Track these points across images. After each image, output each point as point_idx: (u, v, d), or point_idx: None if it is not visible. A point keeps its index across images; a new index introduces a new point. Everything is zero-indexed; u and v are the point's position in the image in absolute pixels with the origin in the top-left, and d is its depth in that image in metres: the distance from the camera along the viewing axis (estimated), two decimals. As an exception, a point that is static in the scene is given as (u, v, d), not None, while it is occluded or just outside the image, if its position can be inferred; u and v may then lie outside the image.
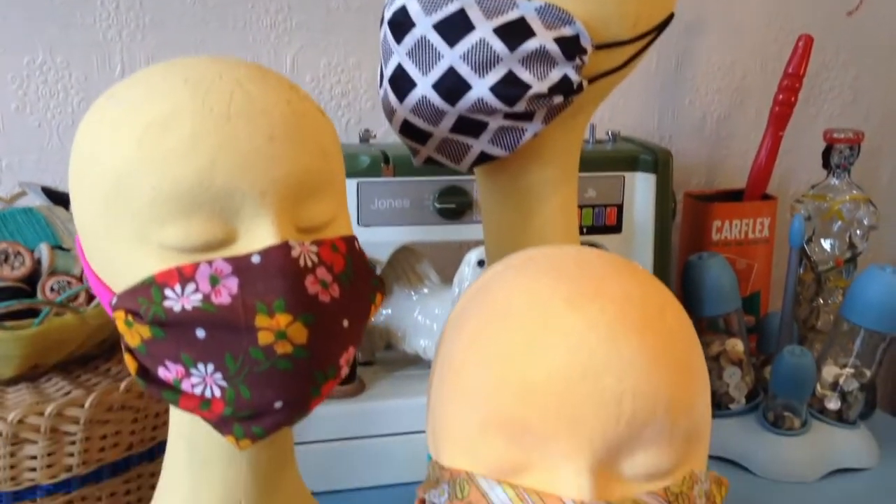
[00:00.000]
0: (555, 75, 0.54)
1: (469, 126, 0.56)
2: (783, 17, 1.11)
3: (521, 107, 0.54)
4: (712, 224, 0.97)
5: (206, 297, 0.44)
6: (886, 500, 0.86)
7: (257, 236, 0.45)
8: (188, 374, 0.45)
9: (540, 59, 0.53)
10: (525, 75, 0.54)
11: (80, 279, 0.64)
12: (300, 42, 0.94)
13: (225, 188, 0.44)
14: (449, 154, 0.59)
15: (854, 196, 0.98)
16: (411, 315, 0.86)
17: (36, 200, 0.75)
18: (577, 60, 0.54)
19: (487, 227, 0.66)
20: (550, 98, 0.55)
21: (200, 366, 0.45)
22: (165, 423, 0.68)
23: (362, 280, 0.49)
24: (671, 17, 0.59)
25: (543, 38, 0.53)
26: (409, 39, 0.55)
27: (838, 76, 1.16)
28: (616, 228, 0.86)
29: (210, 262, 0.44)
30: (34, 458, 0.61)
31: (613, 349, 0.41)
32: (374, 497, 0.82)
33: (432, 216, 0.82)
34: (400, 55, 0.56)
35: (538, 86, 0.54)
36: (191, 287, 0.44)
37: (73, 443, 0.62)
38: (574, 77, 0.55)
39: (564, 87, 0.55)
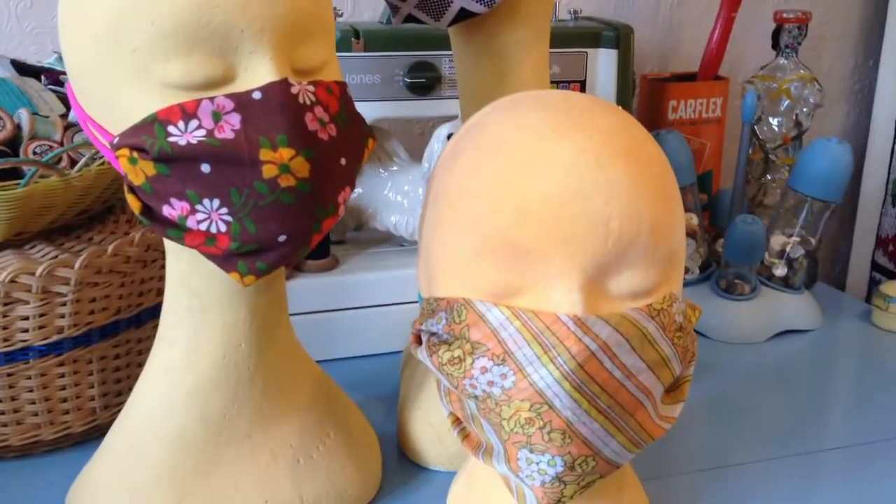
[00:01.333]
0: (534, -72, 0.56)
1: (450, -21, 0.58)
2: None
3: (503, -42, 0.56)
4: (668, 104, 1.00)
5: (210, 133, 0.45)
6: (829, 357, 0.93)
7: (256, 74, 0.46)
8: (193, 211, 0.46)
9: None
10: (505, -73, 0.55)
11: (62, 144, 0.64)
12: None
13: (224, 24, 0.44)
14: (430, 10, 0.60)
15: (801, 75, 1.02)
16: (381, 192, 0.88)
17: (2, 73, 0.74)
18: (555, -88, 0.56)
19: (463, 88, 0.68)
20: (531, -51, 0.56)
21: (206, 201, 0.46)
22: (151, 290, 0.70)
23: (355, 124, 0.51)
24: None
25: None
26: None
27: (786, -37, 1.19)
28: (579, 104, 0.89)
29: (212, 99, 0.45)
30: (26, 318, 0.62)
31: (601, 173, 0.44)
32: (351, 367, 0.84)
33: (402, 91, 0.83)
34: None
35: (519, -62, 0.55)
36: (194, 123, 0.45)
37: (64, 304, 0.63)
38: (552, -68, 0.56)
39: (544, -59, 0.56)
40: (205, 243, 0.47)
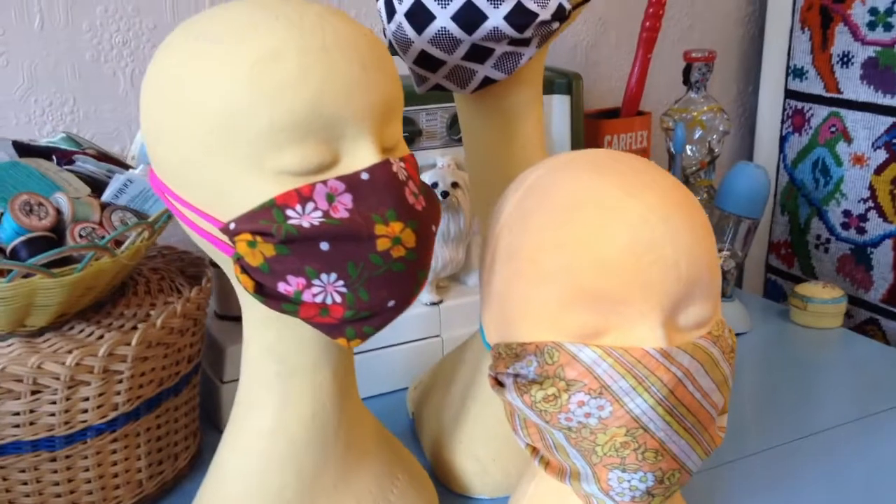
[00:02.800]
0: (553, 4, 0.63)
1: (479, 53, 0.64)
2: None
3: (528, 33, 0.62)
4: (604, 138, 1.10)
5: (326, 213, 0.49)
6: (760, 357, 1.04)
7: (358, 156, 0.50)
8: (310, 285, 0.50)
9: None
10: (531, 5, 0.62)
11: (101, 224, 0.65)
12: (217, -14, 0.96)
13: (333, 114, 0.49)
14: (456, 79, 0.66)
15: (711, 107, 1.15)
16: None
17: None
18: (569, -10, 0.63)
19: (471, 146, 0.74)
20: (549, 24, 0.63)
21: (323, 276, 0.50)
22: (184, 358, 0.72)
23: (430, 191, 0.56)
24: None
25: None
26: None
27: (678, 5, 1.32)
28: (537, 146, 0.97)
29: (325, 182, 0.49)
30: (86, 399, 0.62)
31: (667, 225, 0.52)
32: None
33: (385, 146, 0.88)
34: (418, -10, 0.62)
35: (543, 14, 0.62)
36: (310, 206, 0.49)
37: (121, 381, 0.64)
38: (566, 5, 0.63)
39: (559, 14, 0.63)
40: (319, 314, 0.51)
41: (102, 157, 0.72)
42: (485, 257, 0.60)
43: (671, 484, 0.54)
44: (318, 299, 0.51)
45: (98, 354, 0.61)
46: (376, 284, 0.51)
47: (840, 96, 1.24)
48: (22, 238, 0.60)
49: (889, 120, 1.17)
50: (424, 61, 0.64)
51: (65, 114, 0.91)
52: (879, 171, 1.20)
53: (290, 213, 0.49)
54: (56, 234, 0.63)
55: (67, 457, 0.63)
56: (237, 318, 0.88)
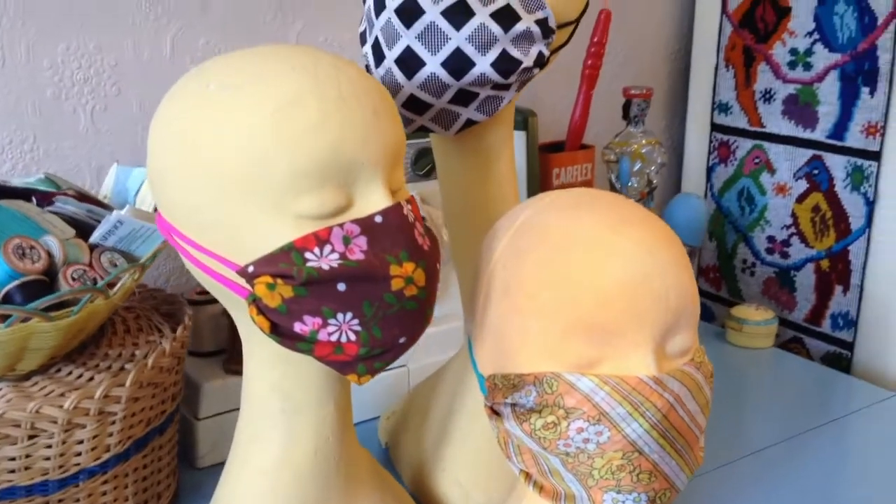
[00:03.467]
0: (534, 52, 0.67)
1: (464, 97, 0.67)
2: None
3: (512, 79, 0.66)
4: (553, 171, 1.15)
5: (343, 255, 0.51)
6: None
7: (371, 200, 0.53)
8: (326, 325, 0.52)
9: (525, 38, 0.66)
10: (515, 52, 0.66)
11: (91, 266, 0.65)
12: (178, 24, 0.96)
13: (350, 160, 0.51)
14: (441, 122, 0.69)
15: (649, 140, 1.22)
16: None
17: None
18: (549, 38, 0.67)
19: (448, 185, 0.77)
20: (531, 70, 0.67)
21: (339, 315, 0.52)
22: (169, 397, 0.72)
23: (431, 230, 0.59)
24: (588, 1, 0.74)
25: (527, 21, 0.65)
26: (420, 24, 0.64)
27: (613, 42, 1.38)
28: (495, 180, 1.01)
29: (341, 225, 0.51)
30: (81, 442, 0.62)
31: (654, 258, 0.56)
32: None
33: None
34: (409, 38, 0.65)
35: (526, 61, 0.66)
36: (328, 248, 0.51)
37: (114, 422, 0.64)
38: (546, 52, 0.68)
39: (539, 61, 0.67)
40: (333, 352, 0.53)
41: (82, 197, 0.72)
42: (478, 293, 0.63)
43: (662, 502, 0.58)
44: (334, 338, 0.53)
45: (95, 397, 0.61)
46: (389, 322, 0.53)
47: (763, 130, 1.32)
48: (16, 282, 0.60)
49: (809, 152, 1.26)
50: (412, 105, 0.67)
51: (24, 151, 0.90)
52: (801, 199, 1.29)
53: (308, 255, 0.51)
54: (48, 277, 0.63)
55: (60, 501, 0.63)
56: (208, 354, 0.88)
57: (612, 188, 1.22)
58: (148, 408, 0.68)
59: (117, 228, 0.66)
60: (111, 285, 0.64)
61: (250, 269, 0.51)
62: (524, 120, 1.00)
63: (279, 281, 0.51)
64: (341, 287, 0.51)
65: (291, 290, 0.51)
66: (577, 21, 0.72)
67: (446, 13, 0.64)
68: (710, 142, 1.42)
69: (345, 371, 0.55)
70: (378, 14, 0.67)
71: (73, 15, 0.90)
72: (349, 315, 0.52)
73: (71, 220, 0.70)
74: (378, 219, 0.52)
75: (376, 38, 0.67)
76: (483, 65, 0.65)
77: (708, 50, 1.39)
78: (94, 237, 0.67)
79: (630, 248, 0.56)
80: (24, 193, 0.71)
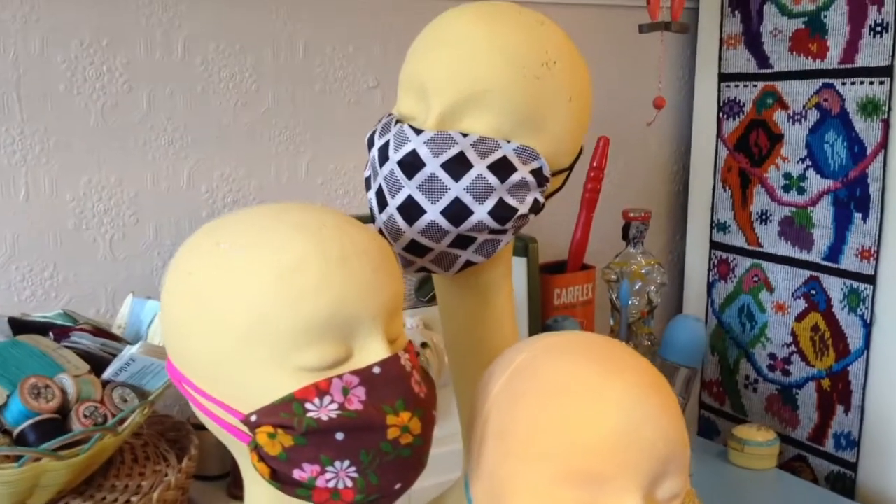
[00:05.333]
0: (529, 199, 0.70)
1: (463, 241, 0.71)
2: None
3: (508, 225, 0.70)
4: (554, 291, 1.18)
5: (342, 406, 0.54)
6: (705, 497, 1.10)
7: (370, 351, 0.55)
8: (323, 472, 0.54)
9: (521, 187, 0.69)
10: (512, 201, 0.69)
11: (103, 402, 0.68)
12: (196, 157, 1.02)
13: (350, 316, 0.54)
14: (441, 264, 0.72)
15: (649, 261, 1.25)
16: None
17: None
18: (543, 186, 0.71)
19: (449, 320, 0.80)
20: (526, 217, 0.71)
21: (337, 463, 0.54)
22: (174, 528, 0.73)
23: (428, 376, 0.62)
24: (582, 147, 0.78)
25: (522, 172, 0.69)
26: (420, 176, 0.68)
27: (613, 164, 1.43)
28: (496, 305, 1.04)
29: (340, 377, 0.54)
30: (85, 579, 0.64)
31: (643, 407, 0.58)
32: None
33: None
34: (410, 188, 0.69)
35: (521, 208, 0.70)
36: (327, 399, 0.54)
37: (119, 558, 0.66)
38: (541, 199, 0.71)
39: (535, 208, 0.71)
40: (330, 498, 0.55)
41: (98, 332, 0.75)
42: (474, 433, 0.65)
43: None
44: (331, 484, 0.55)
45: (102, 535, 0.63)
46: (385, 469, 0.55)
47: (761, 249, 1.36)
48: (30, 422, 0.63)
49: (806, 273, 1.29)
50: (413, 248, 0.71)
51: (44, 279, 0.94)
52: (800, 318, 1.31)
53: (308, 406, 0.53)
54: (61, 414, 0.65)
55: None
56: (213, 478, 0.90)
57: (613, 307, 1.25)
58: (151, 540, 0.70)
59: (129, 365, 0.69)
60: (121, 422, 0.66)
61: (253, 418, 0.54)
62: (525, 246, 1.04)
63: (280, 431, 0.53)
64: (339, 436, 0.54)
65: (292, 439, 0.53)
66: (571, 167, 0.76)
67: (445, 165, 0.68)
68: (710, 259, 1.46)
69: (341, 515, 0.56)
70: (382, 164, 0.71)
71: (96, 151, 0.95)
72: (346, 463, 0.54)
73: (85, 355, 0.73)
74: (376, 370, 0.55)
75: (380, 186, 0.71)
76: (481, 213, 0.68)
77: (705, 171, 1.44)
78: (107, 373, 0.70)
79: (621, 397, 0.58)
80: (41, 328, 0.75)
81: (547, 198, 0.74)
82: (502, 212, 0.69)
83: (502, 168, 0.69)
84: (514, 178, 0.69)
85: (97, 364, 0.72)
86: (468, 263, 0.73)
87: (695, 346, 1.12)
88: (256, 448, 0.54)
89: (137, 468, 0.74)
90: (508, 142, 0.69)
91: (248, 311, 0.53)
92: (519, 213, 0.70)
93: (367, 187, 0.74)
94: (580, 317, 1.23)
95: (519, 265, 1.04)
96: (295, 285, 0.53)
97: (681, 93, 1.47)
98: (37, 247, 0.93)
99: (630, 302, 1.23)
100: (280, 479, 0.55)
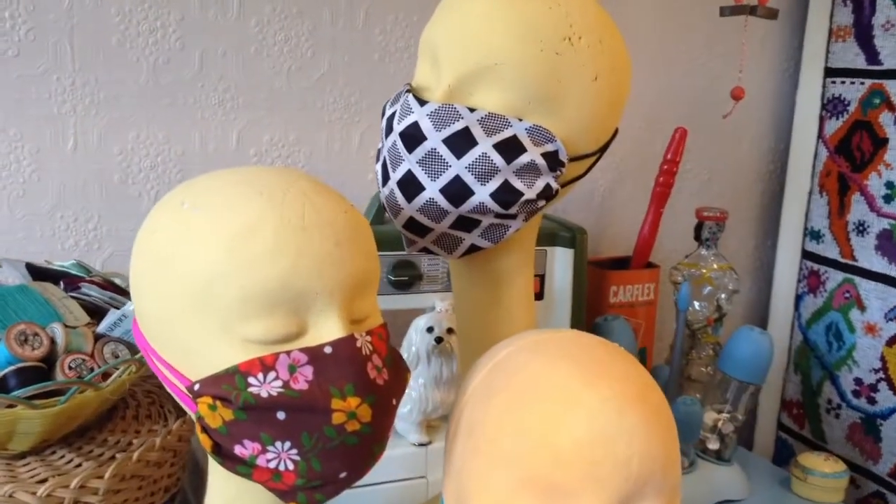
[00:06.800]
0: (540, 184, 0.65)
1: (465, 223, 0.66)
2: (655, 110, 1.28)
3: (512, 210, 0.65)
4: (609, 289, 1.12)
5: (286, 384, 0.51)
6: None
7: (325, 329, 0.52)
8: (264, 451, 0.52)
9: (530, 170, 0.64)
10: (518, 184, 0.64)
11: (92, 356, 0.67)
12: (245, 119, 1.01)
13: (303, 289, 0.51)
14: (443, 245, 0.68)
15: (721, 265, 1.16)
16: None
17: (12, 277, 0.77)
18: (557, 172, 0.66)
19: (460, 304, 0.76)
20: (536, 202, 0.66)
21: (278, 443, 0.51)
22: (160, 489, 0.73)
23: (398, 363, 0.58)
24: (617, 131, 0.72)
25: (533, 154, 0.64)
26: (421, 150, 0.64)
27: (697, 159, 1.34)
28: (539, 296, 0.99)
29: (288, 353, 0.51)
30: (54, 529, 0.64)
31: (622, 420, 0.52)
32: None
33: (386, 287, 0.91)
34: (410, 163, 0.65)
35: (528, 193, 0.65)
36: (272, 375, 0.51)
37: (90, 513, 0.65)
38: (554, 185, 0.66)
39: (546, 194, 0.66)
40: (271, 479, 0.52)
41: (107, 285, 0.75)
42: (450, 426, 0.61)
43: None
44: (272, 465, 0.52)
45: (70, 486, 0.63)
46: (329, 456, 0.52)
47: (855, 263, 1.24)
48: (13, 367, 0.63)
49: (901, 293, 1.17)
50: (413, 227, 0.67)
51: (88, 230, 0.95)
52: (891, 343, 1.19)
53: (251, 380, 0.51)
54: (47, 364, 0.65)
55: (29, 586, 0.64)
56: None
57: (678, 311, 1.17)
58: (132, 500, 0.69)
59: (122, 321, 0.69)
60: (106, 376, 0.66)
61: (196, 387, 0.52)
62: (572, 237, 0.98)
63: (219, 403, 0.51)
64: (281, 415, 0.51)
65: (232, 413, 0.51)
66: (599, 154, 0.70)
67: (448, 141, 0.64)
68: (801, 269, 1.35)
69: (285, 499, 0.54)
70: (387, 136, 0.67)
71: (145, 107, 0.96)
72: (288, 444, 0.51)
73: (91, 307, 0.73)
74: (327, 349, 0.52)
75: (384, 158, 0.68)
76: (482, 194, 0.64)
77: (802, 174, 1.33)
78: (101, 327, 0.69)
79: (597, 405, 0.52)
80: (56, 276, 0.75)
81: (566, 185, 0.69)
82: (506, 195, 0.64)
83: (510, 148, 0.64)
84: (523, 159, 0.64)
85: (101, 316, 0.72)
86: (473, 248, 0.69)
87: (758, 361, 1.03)
88: (199, 419, 0.52)
89: (135, 426, 0.74)
90: (520, 120, 0.64)
91: (197, 273, 0.51)
92: (525, 197, 0.65)
93: (377, 160, 0.71)
94: (641, 318, 1.16)
95: (564, 257, 0.98)
96: (246, 250, 0.50)
97: (783, 86, 1.36)
98: (82, 197, 0.95)
99: (693, 307, 1.15)
100: (222, 453, 0.53)
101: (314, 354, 0.51)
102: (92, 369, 0.67)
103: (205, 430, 0.52)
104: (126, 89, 0.94)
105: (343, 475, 0.53)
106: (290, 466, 0.52)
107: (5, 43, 0.88)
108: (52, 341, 0.66)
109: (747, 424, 1.48)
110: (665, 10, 1.24)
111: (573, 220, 1.05)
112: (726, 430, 1.06)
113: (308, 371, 0.51)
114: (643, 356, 1.16)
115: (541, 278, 0.98)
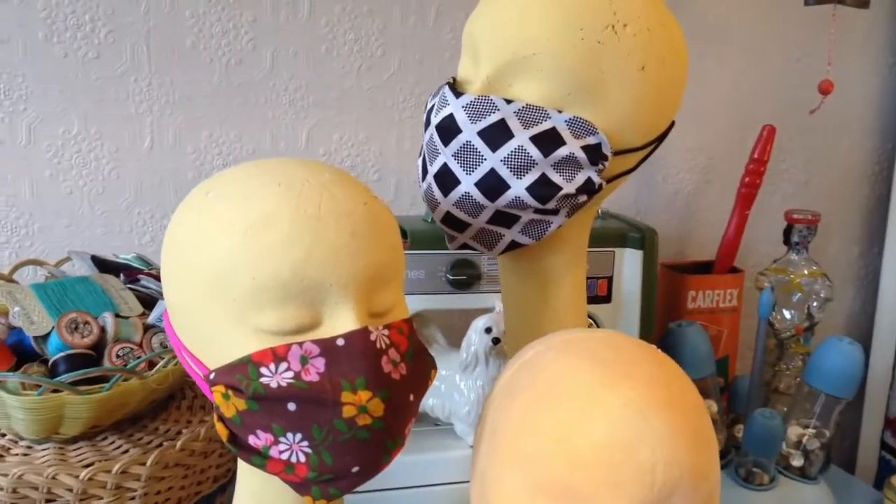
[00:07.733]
0: (580, 178, 0.63)
1: (504, 218, 0.64)
2: (744, 108, 1.22)
3: (551, 205, 0.63)
4: (688, 294, 1.07)
5: (297, 375, 0.50)
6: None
7: (339, 321, 0.52)
8: (277, 442, 0.51)
9: (569, 164, 0.62)
10: (556, 178, 0.62)
11: (141, 345, 0.69)
12: (315, 118, 1.02)
13: (316, 280, 0.50)
14: (483, 241, 0.67)
15: (812, 271, 1.09)
16: (419, 376, 0.93)
17: (80, 268, 0.81)
18: (600, 165, 0.63)
19: (508, 303, 0.74)
20: (576, 197, 0.63)
21: (289, 435, 0.51)
22: (209, 478, 0.74)
23: (421, 358, 0.57)
24: (672, 124, 0.69)
25: (572, 147, 0.62)
26: (456, 143, 0.63)
27: (793, 159, 1.27)
28: (606, 299, 0.95)
29: (300, 344, 0.51)
30: (97, 512, 0.66)
31: (645, 424, 0.49)
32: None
33: (445, 286, 0.90)
34: (446, 156, 0.64)
35: (567, 187, 0.62)
36: (283, 366, 0.51)
37: (133, 498, 0.67)
38: (596, 179, 0.63)
39: (588, 188, 0.63)
40: (284, 471, 0.52)
41: (164, 278, 0.77)
42: (478, 426, 0.59)
43: None
44: (284, 456, 0.52)
45: (112, 471, 0.65)
46: (340, 450, 0.51)
47: (967, 272, 1.14)
48: (63, 353, 0.66)
49: None
50: (451, 222, 0.66)
51: (164, 226, 0.98)
52: None
53: (263, 370, 0.51)
54: (96, 352, 0.68)
55: (75, 566, 0.67)
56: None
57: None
58: (177, 488, 0.70)
59: (169, 312, 0.70)
60: (152, 365, 0.68)
61: (212, 375, 0.52)
62: (642, 238, 0.94)
63: (231, 392, 0.51)
64: (291, 406, 0.51)
65: (244, 402, 0.51)
66: (650, 146, 0.67)
67: (483, 133, 0.62)
68: (908, 276, 1.25)
69: (300, 492, 0.53)
70: (426, 128, 0.66)
71: (218, 106, 0.98)
72: (299, 436, 0.51)
73: (148, 299, 0.75)
74: (340, 342, 0.51)
75: (423, 152, 0.67)
76: (518, 188, 0.62)
77: (910, 175, 1.24)
78: (151, 318, 0.71)
79: (618, 407, 0.50)
80: (117, 268, 0.78)
81: (612, 180, 0.66)
82: (542, 189, 0.62)
83: (548, 140, 0.62)
84: (561, 152, 0.62)
85: (157, 309, 0.74)
86: (515, 244, 0.67)
87: (847, 373, 0.96)
88: (216, 408, 0.53)
89: (188, 416, 0.76)
90: (560, 112, 0.62)
91: (215, 262, 0.51)
92: (564, 192, 0.62)
93: (419, 154, 0.70)
94: (723, 325, 1.10)
95: (633, 258, 0.95)
96: (261, 240, 0.50)
97: (888, 82, 1.27)
98: (158, 194, 0.98)
99: (782, 315, 1.08)
100: (237, 443, 0.53)
101: (326, 346, 0.51)
102: (139, 358, 0.68)
103: (220, 419, 0.53)
104: (200, 90, 0.97)
105: (356, 469, 0.52)
106: (302, 459, 0.52)
107: (86, 46, 0.93)
108: (103, 330, 0.68)
109: (847, 443, 1.39)
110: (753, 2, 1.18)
111: (655, 222, 1.02)
112: (811, 446, 0.99)
113: (320, 363, 0.51)
114: (724, 365, 1.10)
115: (608, 281, 0.95)
